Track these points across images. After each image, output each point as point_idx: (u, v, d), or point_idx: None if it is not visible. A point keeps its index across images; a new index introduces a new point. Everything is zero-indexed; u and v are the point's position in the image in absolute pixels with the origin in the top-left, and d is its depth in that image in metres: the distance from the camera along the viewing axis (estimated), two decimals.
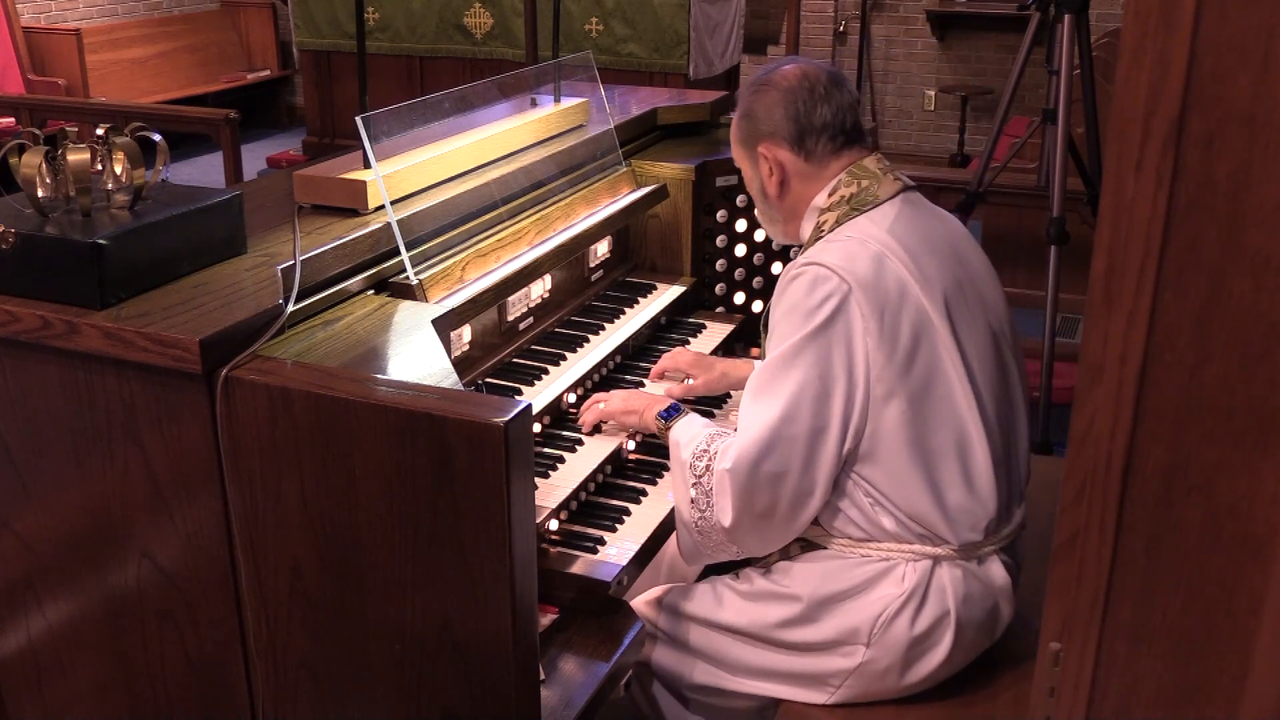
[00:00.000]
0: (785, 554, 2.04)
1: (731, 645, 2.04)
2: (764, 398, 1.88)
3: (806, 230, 2.05)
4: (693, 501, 1.95)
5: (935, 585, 1.91)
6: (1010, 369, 2.01)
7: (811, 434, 1.85)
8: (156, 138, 1.89)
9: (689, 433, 2.03)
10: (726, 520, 1.90)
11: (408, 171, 2.19)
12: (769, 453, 1.85)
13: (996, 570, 1.96)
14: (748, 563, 2.10)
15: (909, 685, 1.95)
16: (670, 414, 2.12)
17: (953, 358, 1.88)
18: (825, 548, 1.99)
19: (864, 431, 1.87)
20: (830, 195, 2.01)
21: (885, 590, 1.92)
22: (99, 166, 1.84)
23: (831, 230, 1.96)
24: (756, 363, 2.38)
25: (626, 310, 2.63)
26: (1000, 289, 2.06)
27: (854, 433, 1.86)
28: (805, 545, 2.02)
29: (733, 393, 2.50)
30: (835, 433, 1.86)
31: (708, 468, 1.94)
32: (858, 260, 1.86)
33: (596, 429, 2.25)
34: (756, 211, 2.21)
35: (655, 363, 2.48)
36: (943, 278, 1.91)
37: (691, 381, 2.42)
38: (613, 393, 2.27)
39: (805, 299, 1.86)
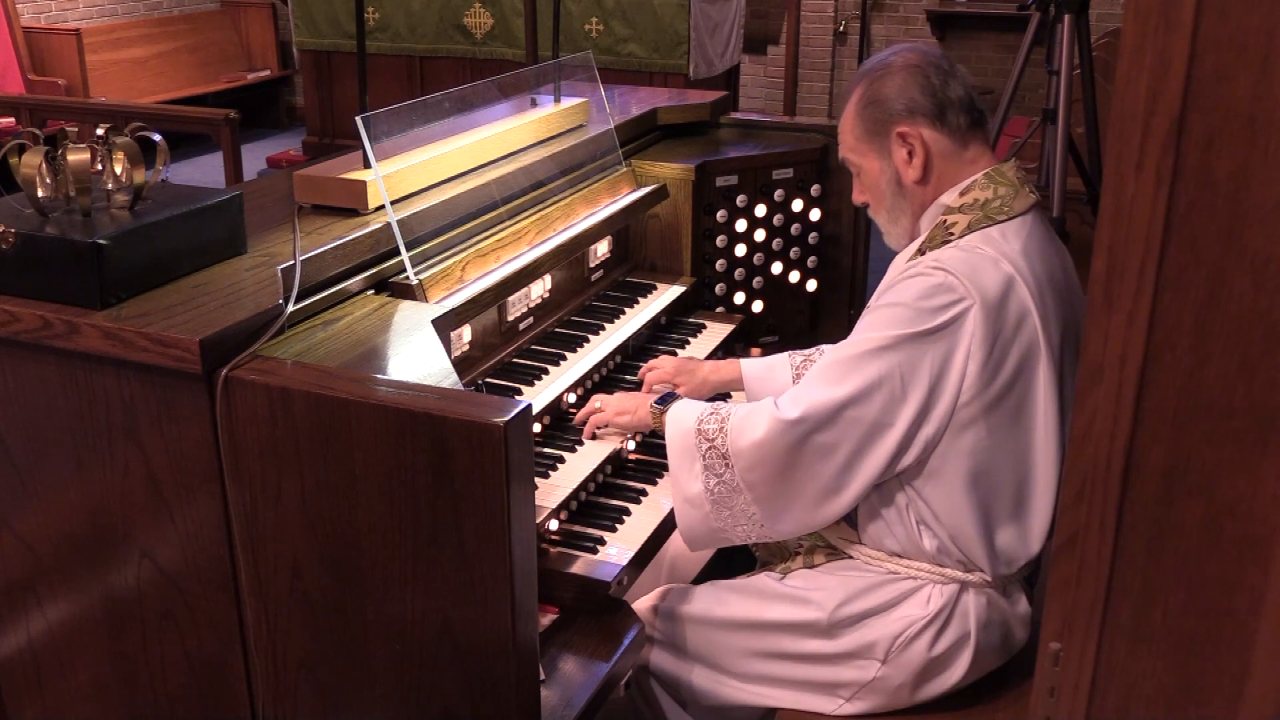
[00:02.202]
0: (808, 563, 2.02)
1: (732, 649, 2.02)
2: (840, 373, 1.82)
3: (925, 227, 1.95)
4: (706, 469, 1.91)
5: (959, 609, 1.89)
6: None
7: (873, 426, 1.81)
8: (156, 138, 1.89)
9: (690, 407, 2.00)
10: (744, 442, 1.85)
11: (408, 171, 2.19)
12: (826, 425, 1.81)
13: (1019, 598, 1.95)
14: (754, 567, 2.09)
15: (918, 700, 1.94)
16: (665, 400, 2.10)
17: (1048, 397, 1.82)
18: (851, 557, 1.97)
19: (934, 449, 1.82)
20: (962, 195, 1.91)
21: (909, 611, 1.90)
22: (99, 166, 1.84)
23: (962, 236, 1.85)
24: (743, 362, 2.35)
25: (626, 310, 2.63)
26: None
27: (920, 447, 1.82)
28: (830, 554, 2.00)
29: (733, 394, 2.48)
30: (896, 437, 1.81)
31: (720, 428, 1.90)
32: (988, 278, 1.79)
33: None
34: (876, 213, 2.04)
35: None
36: (1059, 315, 1.85)
37: (676, 388, 2.34)
38: (607, 397, 2.24)
39: (921, 300, 1.79)
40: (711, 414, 1.93)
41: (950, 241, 1.86)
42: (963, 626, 1.89)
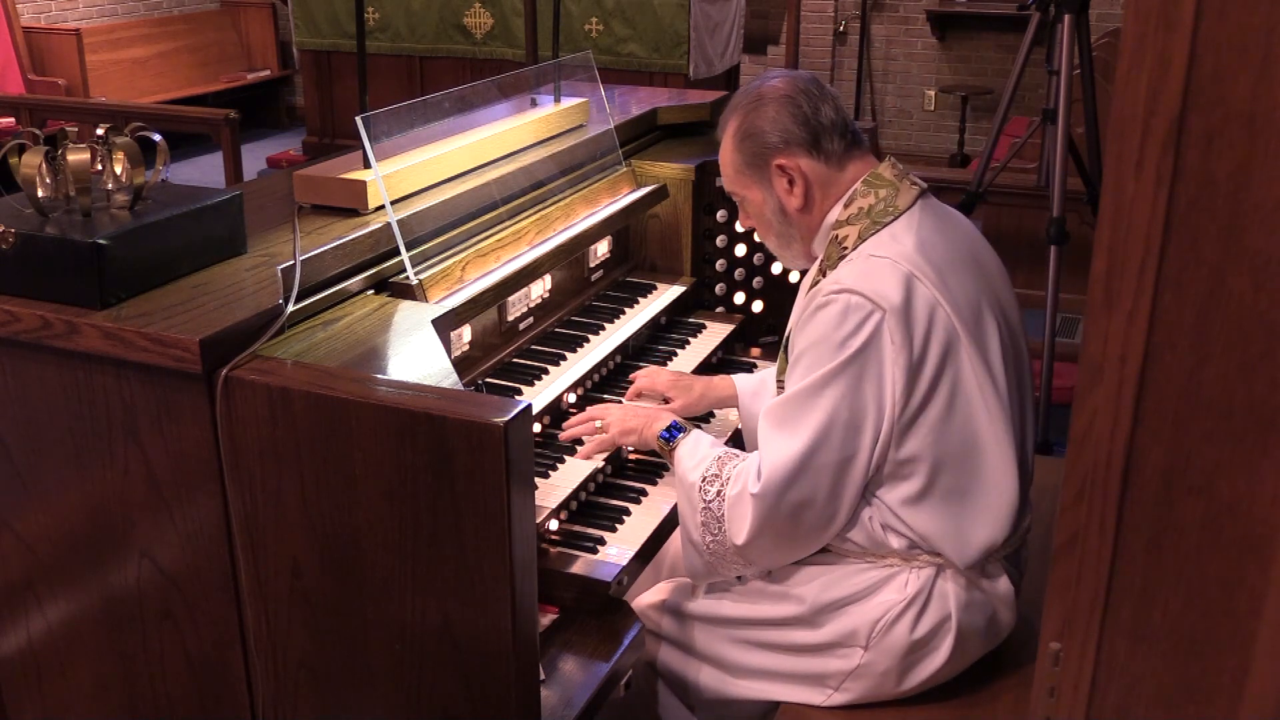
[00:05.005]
0: None
1: (733, 646, 2.03)
2: (791, 427, 1.84)
3: (821, 248, 1.98)
4: (703, 525, 1.93)
5: (938, 591, 1.90)
6: (1025, 373, 1.99)
7: (840, 464, 1.83)
8: (156, 138, 1.89)
9: (696, 454, 2.00)
10: (741, 539, 1.88)
11: (408, 171, 2.19)
12: (795, 482, 1.83)
13: (1000, 578, 1.95)
14: None
15: (907, 689, 1.94)
16: (672, 434, 2.08)
17: (978, 378, 1.85)
18: (829, 550, 1.99)
19: (885, 457, 1.84)
20: (847, 207, 1.94)
21: (887, 596, 1.91)
22: (99, 166, 1.84)
23: (855, 247, 1.88)
24: (736, 380, 2.35)
25: (626, 310, 2.63)
26: (1010, 287, 2.03)
27: (877, 459, 1.84)
28: None
29: (717, 411, 2.46)
30: (863, 462, 1.83)
31: (719, 494, 1.91)
32: (888, 284, 1.81)
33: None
34: (766, 238, 2.08)
35: (654, 364, 2.46)
36: (968, 294, 1.87)
37: (669, 403, 2.32)
38: (608, 410, 2.21)
39: (836, 329, 1.81)
40: (715, 475, 1.93)
41: (845, 256, 1.89)
42: (942, 609, 1.90)
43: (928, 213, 1.93)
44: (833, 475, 1.83)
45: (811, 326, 1.86)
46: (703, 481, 1.94)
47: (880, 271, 1.83)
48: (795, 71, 2.03)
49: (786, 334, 2.01)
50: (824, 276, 1.90)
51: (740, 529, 1.88)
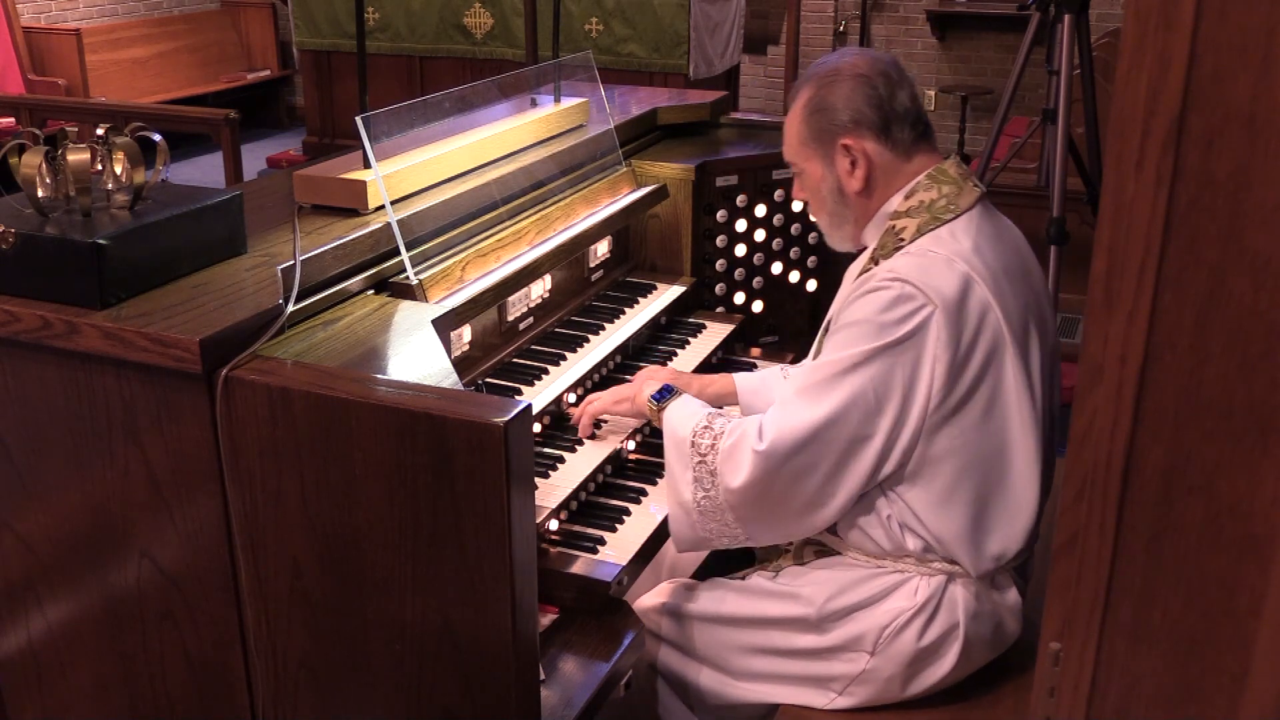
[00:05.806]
0: (798, 559, 2.03)
1: (735, 649, 2.03)
2: (813, 395, 1.83)
3: (872, 236, 1.96)
4: (695, 480, 1.92)
5: (947, 600, 1.90)
6: (1056, 390, 1.98)
7: (850, 443, 1.82)
8: (156, 138, 1.89)
9: (685, 411, 2.00)
10: (734, 486, 1.86)
11: (408, 171, 2.19)
12: (803, 448, 1.82)
13: (1009, 589, 1.95)
14: (752, 564, 2.09)
15: (911, 695, 1.94)
16: (662, 396, 2.08)
17: (1018, 387, 1.84)
18: (839, 554, 1.98)
19: (912, 454, 1.84)
20: (907, 199, 1.92)
21: (896, 603, 1.91)
22: (99, 166, 1.84)
23: (913, 240, 1.87)
24: (736, 377, 2.33)
25: (626, 310, 2.63)
26: (1050, 300, 2.01)
27: (899, 454, 1.83)
28: (820, 551, 2.01)
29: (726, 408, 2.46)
30: (875, 449, 1.82)
31: (712, 446, 1.90)
32: (945, 280, 1.80)
33: (596, 427, 2.24)
34: (817, 215, 2.06)
35: (654, 364, 2.46)
36: (1019, 304, 1.86)
37: None
38: (601, 393, 2.24)
39: (883, 314, 1.80)
40: (705, 428, 1.93)
41: (901, 248, 1.87)
42: (951, 617, 1.90)
43: (985, 217, 1.92)
44: (841, 452, 1.82)
45: (858, 306, 1.84)
46: (694, 435, 1.93)
47: (938, 267, 1.82)
48: (876, 52, 1.99)
49: (826, 320, 1.99)
50: (875, 265, 1.89)
51: (735, 478, 1.86)
